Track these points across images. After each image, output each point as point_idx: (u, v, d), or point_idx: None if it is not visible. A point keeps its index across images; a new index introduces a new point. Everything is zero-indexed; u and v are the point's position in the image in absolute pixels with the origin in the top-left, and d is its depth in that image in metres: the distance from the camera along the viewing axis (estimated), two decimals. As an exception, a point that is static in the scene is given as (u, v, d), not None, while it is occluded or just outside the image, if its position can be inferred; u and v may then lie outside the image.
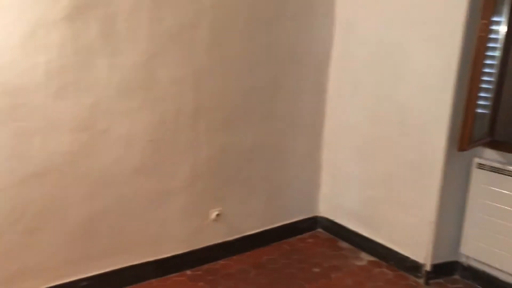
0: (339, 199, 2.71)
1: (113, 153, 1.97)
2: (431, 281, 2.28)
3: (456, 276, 2.34)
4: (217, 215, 2.34)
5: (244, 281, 2.21)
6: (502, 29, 2.11)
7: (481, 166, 2.17)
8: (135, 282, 2.13)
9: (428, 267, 2.27)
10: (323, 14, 2.54)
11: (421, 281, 2.28)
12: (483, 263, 2.22)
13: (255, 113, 2.40)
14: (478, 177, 2.18)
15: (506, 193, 2.08)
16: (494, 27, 2.06)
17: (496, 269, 2.16)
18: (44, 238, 1.88)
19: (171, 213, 2.20)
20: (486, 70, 2.08)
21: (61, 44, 1.75)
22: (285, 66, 2.45)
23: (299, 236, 2.71)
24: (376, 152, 2.47)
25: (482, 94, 2.12)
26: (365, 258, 2.50)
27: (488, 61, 2.07)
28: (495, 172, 2.11)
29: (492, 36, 2.06)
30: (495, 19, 2.04)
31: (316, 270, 2.35)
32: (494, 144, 2.19)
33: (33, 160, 1.79)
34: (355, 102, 2.55)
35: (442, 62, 2.11)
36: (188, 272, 2.25)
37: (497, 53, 2.12)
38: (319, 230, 2.81)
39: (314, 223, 2.81)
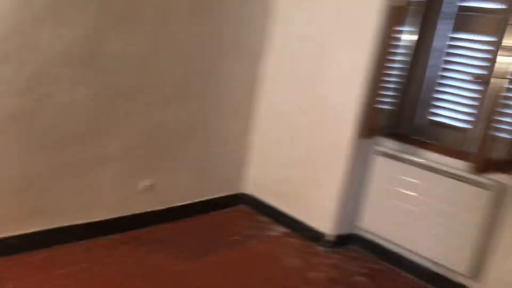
0: (263, 178, 2.99)
1: (52, 119, 2.07)
2: (333, 250, 2.64)
3: (355, 247, 2.73)
4: (148, 185, 2.52)
5: (167, 245, 2.43)
6: (413, 37, 2.48)
7: (379, 153, 2.54)
8: (64, 242, 2.25)
9: (331, 238, 2.63)
10: (260, 8, 2.78)
11: (324, 249, 2.64)
12: (377, 236, 2.61)
13: (191, 95, 2.59)
14: (377, 162, 2.56)
15: (399, 177, 2.47)
16: (404, 36, 2.43)
17: (387, 240, 2.57)
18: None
19: (104, 181, 2.34)
20: (393, 72, 2.45)
21: (11, 11, 1.83)
22: (222, 53, 2.66)
23: (224, 210, 2.98)
24: (298, 137, 2.77)
25: (388, 93, 2.49)
26: (280, 230, 2.82)
27: (395, 65, 2.43)
28: (391, 158, 2.50)
29: (401, 43, 2.43)
30: (405, 28, 2.41)
31: (235, 238, 2.62)
32: (394, 136, 2.56)
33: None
34: (284, 91, 2.83)
35: (356, 62, 2.43)
36: (117, 236, 2.43)
37: (406, 58, 2.49)
38: (243, 205, 3.08)
39: (238, 199, 3.08)
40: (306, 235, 2.74)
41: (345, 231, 2.69)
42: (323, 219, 2.65)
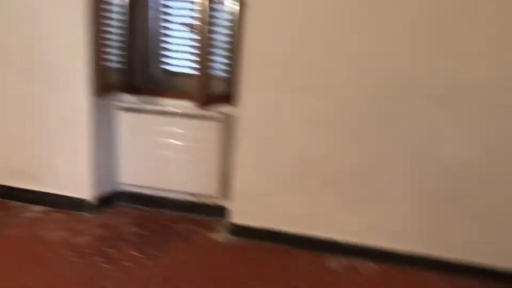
0: (4, 161, 2.70)
1: None
2: (98, 212, 2.67)
3: (120, 203, 2.82)
4: None
5: None
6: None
7: (120, 108, 2.62)
8: None
9: (92, 201, 2.65)
10: None
11: (89, 214, 2.64)
12: (138, 186, 2.76)
13: None
14: (121, 117, 2.64)
15: (143, 127, 2.62)
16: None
17: (148, 187, 2.74)
18: None
19: None
20: (114, 29, 2.49)
21: None
22: None
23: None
24: (32, 111, 2.58)
25: (114, 50, 2.53)
26: (37, 209, 2.66)
27: (114, 22, 2.47)
28: (132, 111, 2.61)
29: (115, 1, 2.47)
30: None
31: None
32: (132, 89, 2.67)
33: None
34: (7, 65, 2.54)
35: (73, 21, 2.36)
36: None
37: (123, 14, 2.54)
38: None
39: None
40: (68, 207, 2.66)
41: (106, 191, 2.74)
42: (79, 186, 2.62)
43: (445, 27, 2.06)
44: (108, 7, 2.41)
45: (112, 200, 2.80)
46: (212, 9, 2.27)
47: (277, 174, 2.41)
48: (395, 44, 2.12)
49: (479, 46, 2.05)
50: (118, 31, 2.53)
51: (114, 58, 2.54)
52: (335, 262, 2.38)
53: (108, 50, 2.47)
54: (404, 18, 2.09)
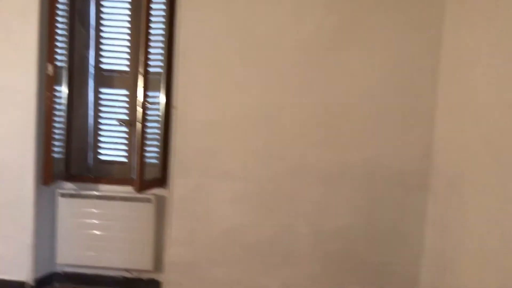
0: None
1: None
2: (37, 294, 2.84)
3: (58, 283, 2.99)
4: None
5: None
6: (64, 93, 2.95)
7: (62, 194, 2.92)
8: None
9: (31, 283, 2.81)
10: None
11: (25, 296, 2.80)
12: (75, 266, 2.98)
13: None
14: (62, 203, 2.92)
15: (82, 210, 2.91)
16: (61, 94, 2.89)
17: (86, 266, 2.97)
18: None
19: None
20: (58, 124, 2.86)
21: None
22: None
23: None
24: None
25: (58, 143, 2.88)
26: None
27: (57, 118, 2.85)
28: (73, 197, 2.91)
29: (59, 100, 2.87)
30: (61, 88, 2.88)
31: None
32: (69, 177, 2.99)
33: None
34: None
35: (22, 120, 2.74)
36: None
37: (64, 112, 2.94)
38: None
39: None
40: (8, 290, 2.80)
41: (44, 272, 2.92)
42: (19, 269, 2.79)
43: (325, 128, 2.74)
44: (55, 106, 2.80)
45: (51, 280, 2.97)
46: (144, 107, 2.75)
47: (205, 247, 2.80)
48: (292, 139, 2.75)
49: (352, 141, 2.75)
50: (61, 126, 2.90)
51: (56, 149, 2.87)
52: (258, 321, 2.74)
53: (54, 143, 2.81)
54: (295, 119, 2.74)
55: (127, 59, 2.99)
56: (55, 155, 2.85)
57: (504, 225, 1.95)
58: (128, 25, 2.97)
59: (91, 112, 3.04)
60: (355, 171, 2.74)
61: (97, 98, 3.03)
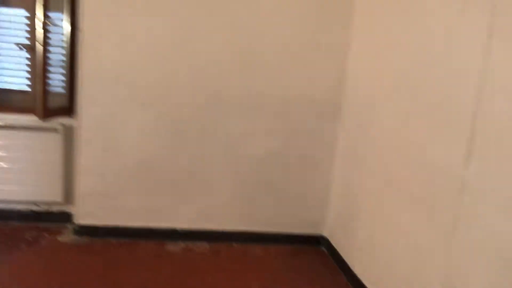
0: None
1: None
2: None
3: None
4: None
5: None
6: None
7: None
8: None
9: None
10: None
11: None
12: None
13: None
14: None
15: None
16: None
17: None
18: None
19: None
20: None
21: None
22: None
23: None
24: None
25: None
26: None
27: None
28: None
29: None
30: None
31: None
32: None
33: None
34: None
35: None
36: None
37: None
38: None
39: None
40: None
41: None
42: None
43: (241, 57, 2.71)
44: None
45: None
46: (46, 30, 2.52)
47: (118, 177, 2.75)
48: (208, 67, 2.69)
49: (268, 72, 2.75)
50: None
51: None
52: (175, 247, 2.81)
53: None
54: (209, 46, 2.67)
55: (24, -26, 2.68)
56: None
57: (407, 154, 2.12)
58: None
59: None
60: (271, 101, 2.79)
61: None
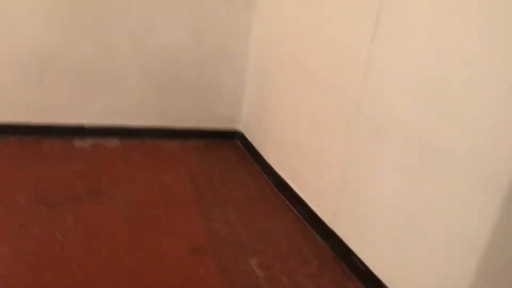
0: None
1: None
2: None
3: None
4: None
5: None
6: None
7: None
8: None
9: None
10: None
11: None
12: None
13: None
14: None
15: None
16: None
17: None
18: None
19: None
20: None
21: None
22: None
23: None
24: None
25: None
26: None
27: None
28: None
29: None
30: None
31: None
32: None
33: None
34: None
35: None
36: None
37: None
38: None
39: None
40: None
41: None
42: None
43: None
44: None
45: None
46: None
47: (14, 70, 2.46)
48: None
49: None
50: None
51: None
52: (83, 143, 2.67)
53: None
54: None
55: None
56: None
57: (314, 32, 2.09)
58: None
59: None
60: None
61: None
